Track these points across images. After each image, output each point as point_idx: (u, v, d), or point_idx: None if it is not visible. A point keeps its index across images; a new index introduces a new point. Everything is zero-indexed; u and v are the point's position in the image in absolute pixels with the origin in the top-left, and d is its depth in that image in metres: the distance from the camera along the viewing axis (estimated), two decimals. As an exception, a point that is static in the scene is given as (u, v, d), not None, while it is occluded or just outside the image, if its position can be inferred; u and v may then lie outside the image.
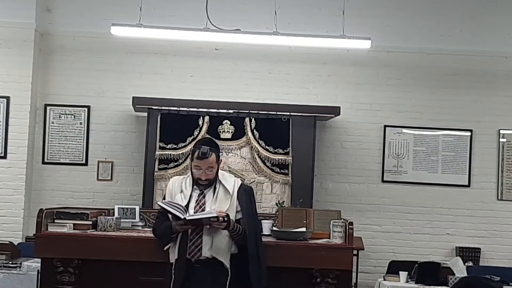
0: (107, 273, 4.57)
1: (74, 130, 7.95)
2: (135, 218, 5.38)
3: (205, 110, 7.43)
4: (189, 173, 4.40)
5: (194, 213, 4.20)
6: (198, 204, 4.28)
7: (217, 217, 4.12)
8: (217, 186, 4.34)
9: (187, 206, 4.23)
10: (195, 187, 4.32)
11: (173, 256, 4.25)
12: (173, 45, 7.79)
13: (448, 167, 8.07)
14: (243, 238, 4.25)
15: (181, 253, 4.21)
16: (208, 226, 4.18)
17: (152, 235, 4.50)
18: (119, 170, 7.96)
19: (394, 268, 6.64)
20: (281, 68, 8.06)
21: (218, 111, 7.45)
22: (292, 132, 7.43)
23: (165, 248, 4.30)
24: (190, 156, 4.47)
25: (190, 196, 4.30)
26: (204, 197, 4.30)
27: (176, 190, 4.35)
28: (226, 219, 4.15)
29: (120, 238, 4.65)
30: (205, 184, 4.30)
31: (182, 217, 4.10)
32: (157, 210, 4.86)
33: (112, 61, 7.98)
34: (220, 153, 4.50)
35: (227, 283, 4.21)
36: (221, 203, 4.27)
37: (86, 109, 7.94)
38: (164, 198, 4.48)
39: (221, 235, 4.22)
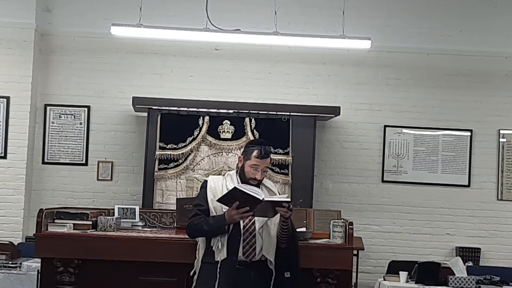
0: (107, 273, 4.56)
1: (74, 130, 7.95)
2: (135, 218, 5.38)
3: (205, 110, 7.43)
4: (230, 173, 4.33)
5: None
6: None
7: (289, 202, 4.06)
8: (261, 187, 4.28)
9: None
10: None
11: (218, 255, 4.10)
12: (173, 45, 7.79)
13: (448, 167, 8.07)
14: (289, 239, 4.21)
15: (230, 253, 4.09)
16: (261, 226, 4.13)
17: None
18: (119, 170, 7.96)
19: (394, 268, 6.65)
20: (281, 68, 8.05)
21: (218, 111, 7.45)
22: (292, 132, 7.43)
23: (213, 247, 4.13)
24: (242, 155, 4.28)
25: None
26: None
27: (222, 189, 4.20)
28: (292, 206, 4.10)
29: (120, 238, 4.64)
30: (254, 184, 4.19)
31: (260, 198, 3.96)
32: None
33: (112, 61, 7.98)
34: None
35: (272, 284, 4.16)
36: None
37: (86, 109, 7.94)
38: (198, 197, 4.31)
39: (270, 236, 4.17)
